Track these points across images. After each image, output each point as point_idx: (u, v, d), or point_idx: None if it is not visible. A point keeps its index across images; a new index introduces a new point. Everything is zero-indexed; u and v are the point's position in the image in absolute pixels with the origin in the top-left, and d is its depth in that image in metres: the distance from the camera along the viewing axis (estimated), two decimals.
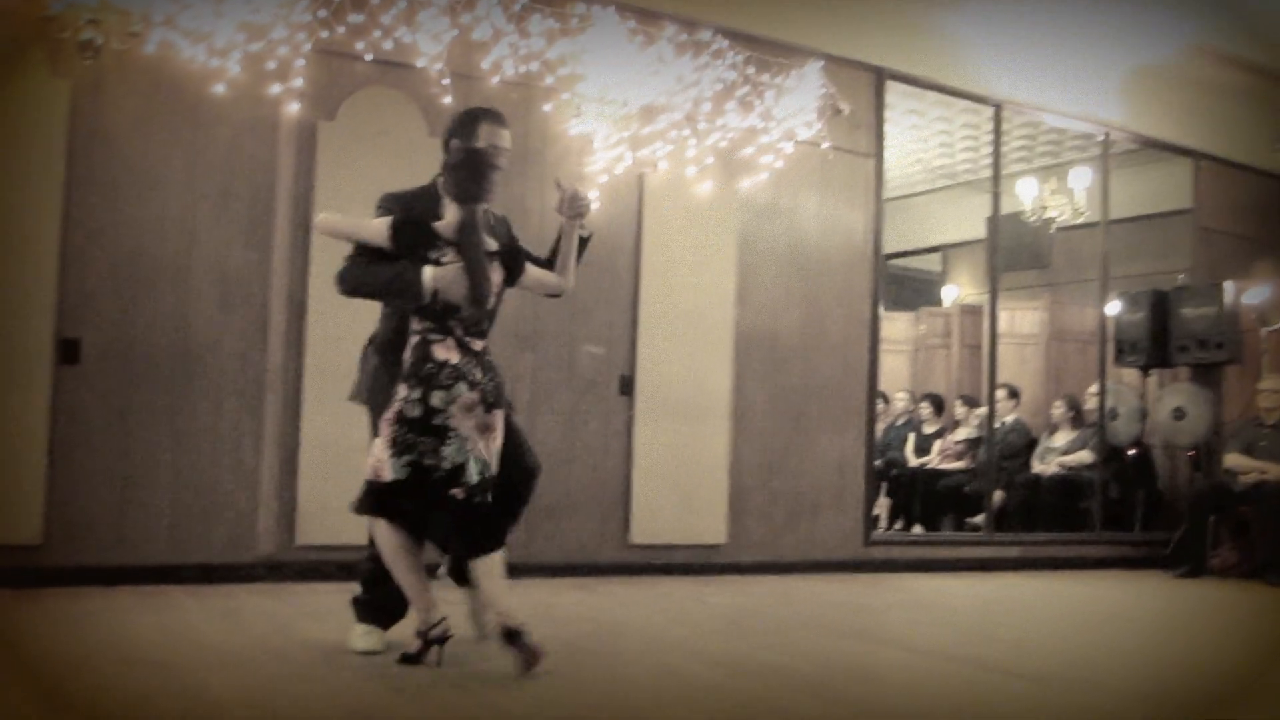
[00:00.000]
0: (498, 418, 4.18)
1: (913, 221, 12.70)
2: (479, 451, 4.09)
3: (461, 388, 4.05)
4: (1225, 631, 6.38)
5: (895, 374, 11.76)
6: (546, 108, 6.83)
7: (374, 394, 4.34)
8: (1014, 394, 10.35)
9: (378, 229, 4.13)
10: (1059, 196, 10.74)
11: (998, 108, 8.84)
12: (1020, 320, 11.26)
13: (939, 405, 11.01)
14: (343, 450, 6.07)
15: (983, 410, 9.73)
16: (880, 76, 8.11)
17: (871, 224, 8.07)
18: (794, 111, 7.53)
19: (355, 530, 5.54)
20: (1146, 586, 8.06)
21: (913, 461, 10.72)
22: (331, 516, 6.07)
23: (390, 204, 4.29)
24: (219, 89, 5.95)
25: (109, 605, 5.18)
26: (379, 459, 4.10)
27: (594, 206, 4.73)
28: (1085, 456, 9.66)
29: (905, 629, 5.74)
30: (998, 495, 9.35)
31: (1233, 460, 8.80)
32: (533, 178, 6.64)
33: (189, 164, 6.02)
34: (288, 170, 6.23)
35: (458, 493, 4.05)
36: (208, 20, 5.83)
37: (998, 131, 8.97)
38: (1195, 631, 6.31)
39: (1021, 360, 11.14)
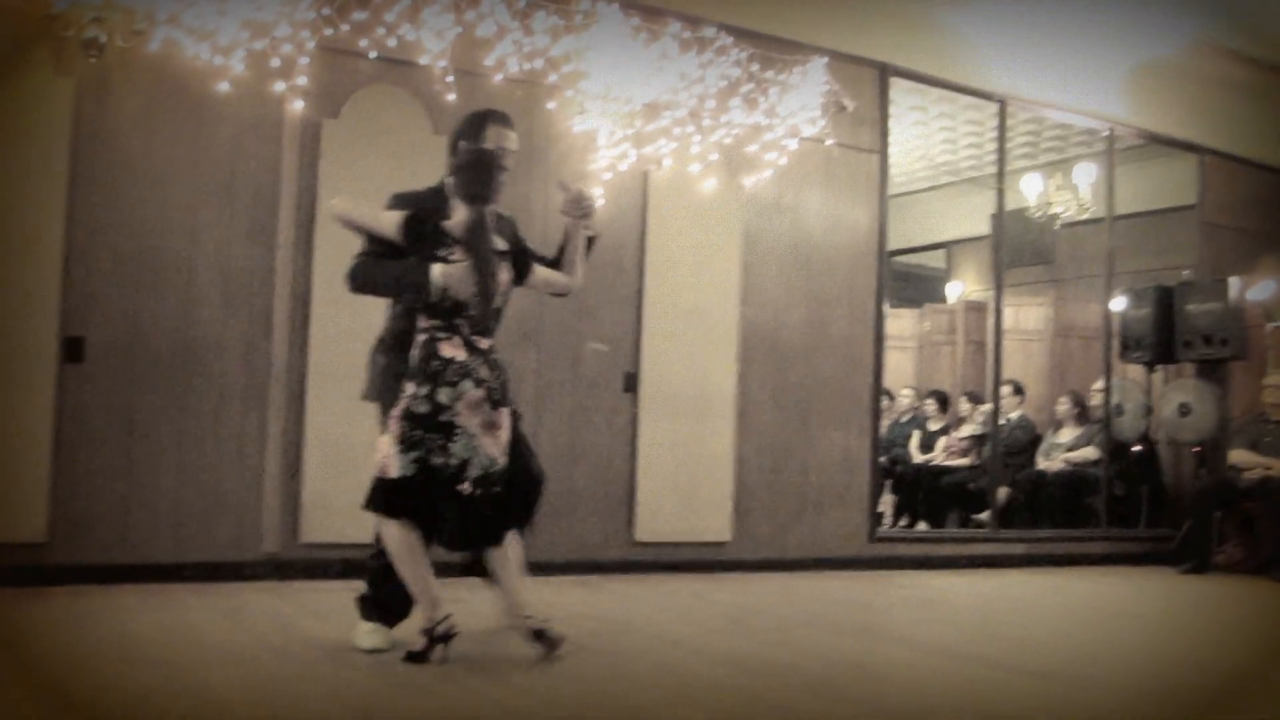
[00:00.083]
0: (503, 415, 4.24)
1: (917, 218, 12.69)
2: (485, 447, 4.14)
3: (468, 385, 4.10)
4: (1230, 628, 6.37)
5: (900, 371, 11.78)
6: (550, 105, 6.82)
7: (384, 392, 4.35)
8: (1019, 390, 10.34)
9: (389, 222, 4.19)
10: (1064, 192, 10.74)
11: (1002, 103, 8.82)
12: (1025, 316, 11.25)
13: (944, 402, 11.00)
14: (347, 448, 6.09)
15: (987, 407, 9.72)
16: (884, 73, 8.10)
17: (876, 221, 8.06)
18: (798, 108, 7.52)
19: (359, 528, 5.54)
20: (1151, 583, 8.05)
21: (917, 458, 10.71)
22: (335, 514, 6.10)
23: (400, 202, 4.33)
24: (223, 87, 5.94)
25: (112, 603, 5.18)
26: (387, 456, 4.13)
27: (599, 204, 4.74)
28: (1090, 453, 9.65)
29: (910, 626, 5.73)
30: (1003, 492, 9.33)
31: (1238, 456, 8.79)
32: (537, 175, 6.64)
33: (193, 162, 6.02)
34: (291, 168, 6.23)
35: (464, 488, 4.11)
36: (211, 18, 5.83)
37: (1002, 127, 8.95)
38: (1200, 628, 6.30)
39: (1026, 356, 11.13)
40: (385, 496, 4.14)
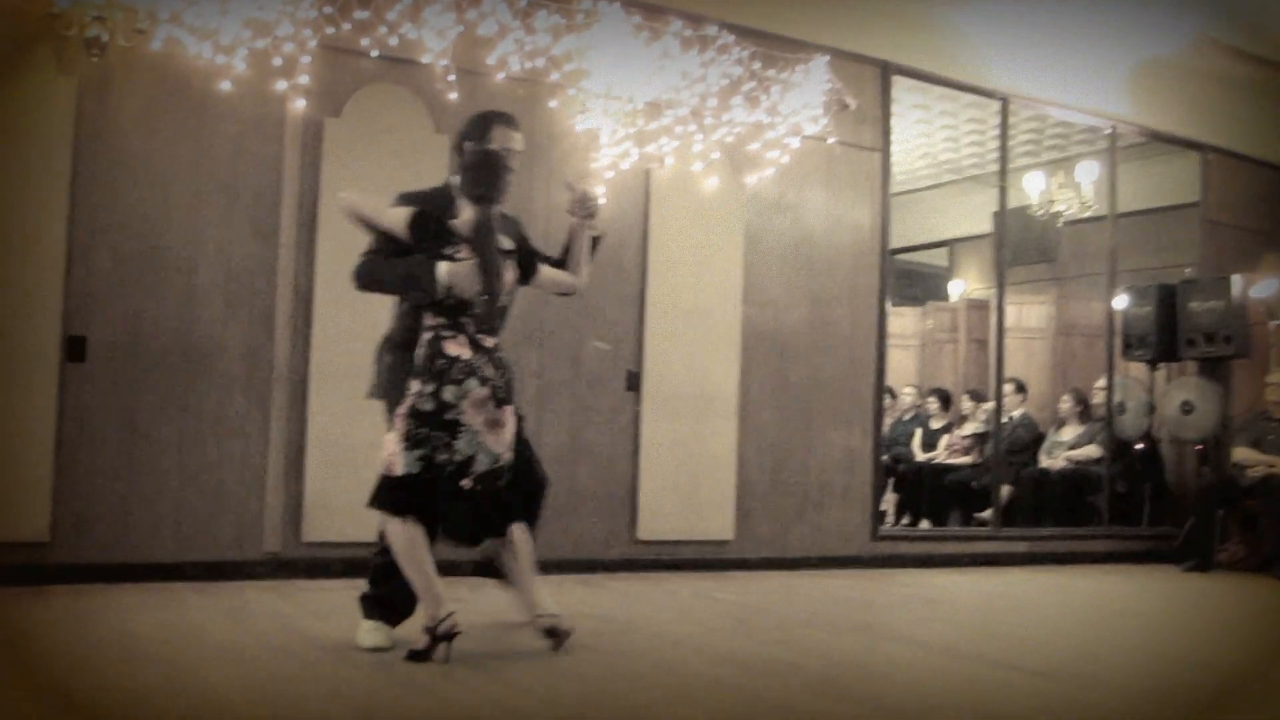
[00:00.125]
0: (508, 413, 4.28)
1: (919, 216, 12.67)
2: (489, 444, 4.19)
3: (473, 383, 4.15)
4: (1232, 626, 6.37)
5: (902, 369, 11.77)
6: (552, 104, 6.82)
7: (390, 390, 4.39)
8: (1021, 388, 10.33)
9: (396, 218, 4.23)
10: (1066, 190, 10.72)
11: (1004, 101, 8.82)
12: (1027, 314, 11.24)
13: (946, 400, 11.00)
14: (349, 447, 6.10)
15: (990, 405, 9.72)
16: (886, 71, 8.09)
17: (878, 219, 8.05)
18: (800, 106, 7.51)
19: (361, 527, 5.54)
20: (1154, 581, 8.04)
21: (920, 456, 10.71)
22: (337, 513, 6.10)
23: (407, 201, 4.36)
24: (225, 86, 5.94)
25: (115, 602, 5.18)
26: (392, 453, 4.16)
27: (601, 203, 4.77)
28: (1093, 451, 9.64)
29: (912, 625, 5.73)
30: (1005, 490, 9.33)
31: (1241, 454, 8.79)
32: (538, 174, 6.64)
33: (194, 161, 6.03)
34: (293, 167, 6.24)
35: (466, 483, 4.15)
36: (213, 17, 5.82)
37: (1004, 125, 8.95)
38: (1202, 626, 6.29)
39: (1029, 354, 11.12)
40: (390, 494, 4.16)
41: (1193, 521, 8.76)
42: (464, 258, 4.18)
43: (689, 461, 7.21)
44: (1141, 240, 10.52)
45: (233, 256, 6.09)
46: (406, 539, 4.15)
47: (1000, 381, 9.18)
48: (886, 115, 8.11)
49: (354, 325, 6.11)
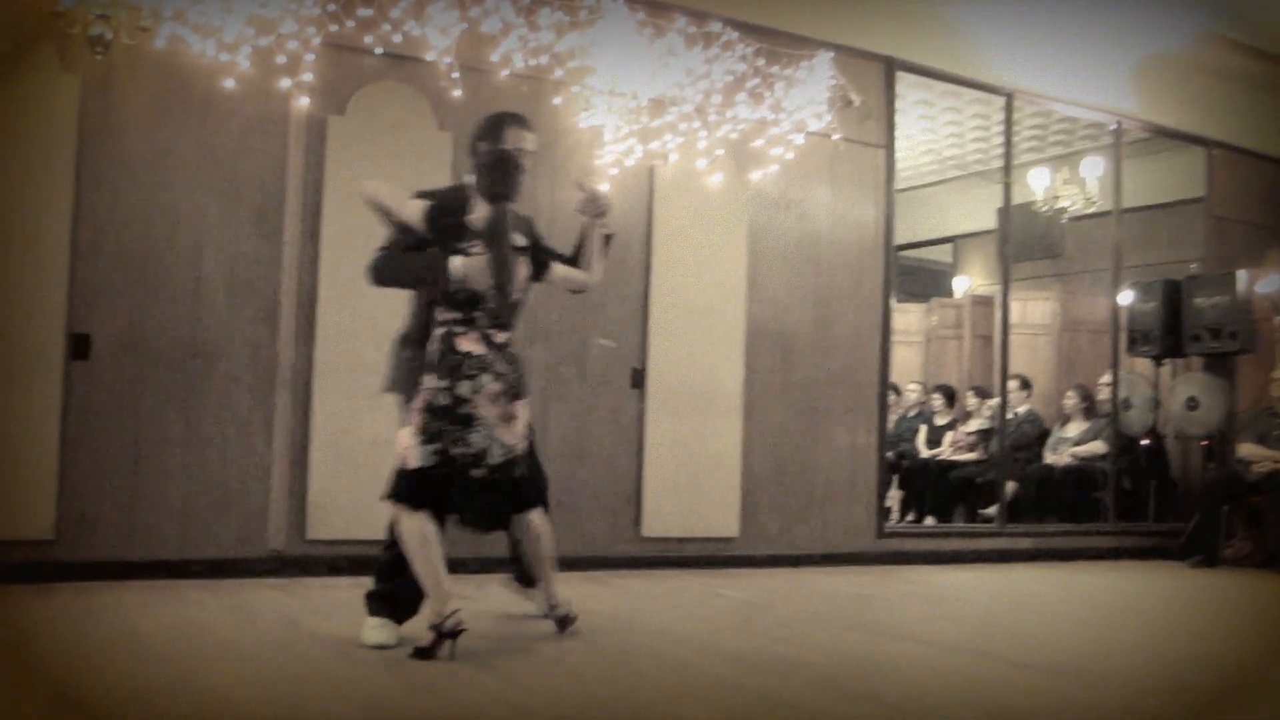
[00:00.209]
0: (520, 407, 4.36)
1: (924, 212, 12.66)
2: (502, 437, 4.27)
3: (486, 379, 4.23)
4: (1238, 622, 6.36)
5: (907, 365, 11.75)
6: (556, 101, 6.82)
7: (405, 384, 4.47)
8: (1026, 385, 10.32)
9: (414, 210, 4.32)
10: (1071, 186, 10.70)
11: (1009, 97, 8.81)
12: (1032, 311, 11.23)
13: (951, 396, 11.00)
14: (353, 445, 6.11)
15: (995, 401, 9.71)
16: (890, 67, 8.08)
17: (882, 215, 8.05)
18: (804, 103, 7.50)
19: (365, 525, 5.56)
20: (1159, 577, 8.03)
21: (924, 453, 10.70)
22: (341, 511, 6.11)
23: (424, 197, 4.44)
24: (229, 84, 5.95)
25: (119, 600, 5.19)
26: (408, 447, 4.22)
27: (611, 202, 4.85)
28: (1098, 447, 9.63)
29: (917, 622, 5.73)
30: (1010, 486, 9.32)
31: (1246, 450, 8.78)
32: (542, 171, 6.63)
33: (199, 159, 6.03)
34: (297, 165, 6.23)
35: (479, 473, 4.22)
36: (217, 15, 5.83)
37: (1009, 121, 8.94)
38: (1208, 622, 6.28)
39: (1033, 351, 11.11)
40: (406, 486, 4.21)
41: (1198, 517, 8.76)
42: (477, 253, 4.25)
43: (693, 458, 7.21)
44: (1146, 236, 10.50)
45: (236, 254, 6.10)
46: (418, 533, 4.18)
47: (1005, 378, 9.17)
48: (891, 111, 8.10)
49: (358, 322, 6.13)
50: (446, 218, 4.31)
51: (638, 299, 7.12)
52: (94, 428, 5.75)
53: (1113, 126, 9.45)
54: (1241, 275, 9.16)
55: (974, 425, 10.54)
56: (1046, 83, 8.88)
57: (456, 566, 4.39)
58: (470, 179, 4.51)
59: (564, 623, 4.66)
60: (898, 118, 8.23)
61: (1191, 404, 9.37)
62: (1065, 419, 10.17)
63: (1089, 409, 9.96)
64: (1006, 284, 9.11)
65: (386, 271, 4.43)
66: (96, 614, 4.83)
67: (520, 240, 4.43)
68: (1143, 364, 10.09)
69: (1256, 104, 9.84)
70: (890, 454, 9.24)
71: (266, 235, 6.16)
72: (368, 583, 4.54)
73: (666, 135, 7.12)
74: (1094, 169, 10.37)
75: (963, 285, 13.39)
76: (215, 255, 6.05)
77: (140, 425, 5.85)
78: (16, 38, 5.58)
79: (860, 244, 7.95)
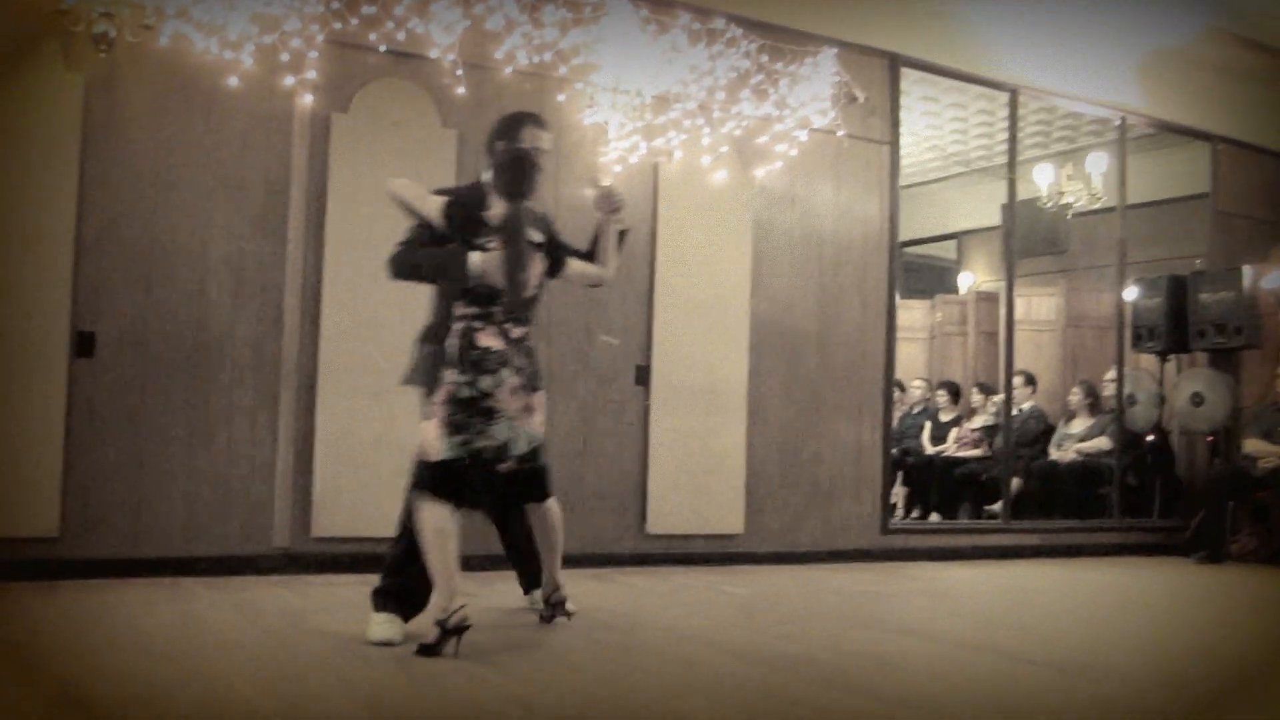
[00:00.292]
0: (539, 399, 4.47)
1: (928, 209, 12.66)
2: (524, 428, 4.37)
3: (506, 373, 4.31)
4: (1243, 618, 6.35)
5: (911, 362, 11.75)
6: (560, 98, 6.81)
7: (427, 378, 4.55)
8: (1031, 381, 10.32)
9: (433, 205, 4.41)
10: (1075, 182, 10.69)
11: (1013, 93, 8.79)
12: (1037, 307, 11.23)
13: (955, 393, 10.99)
14: (357, 442, 6.11)
15: (999, 397, 9.70)
16: (895, 63, 8.07)
17: (887, 212, 8.04)
18: (808, 99, 7.50)
19: (370, 522, 5.57)
20: (1165, 573, 8.02)
21: (929, 449, 10.70)
22: (346, 508, 6.11)
23: (443, 194, 4.53)
24: (232, 81, 5.95)
25: (124, 597, 5.19)
26: (431, 439, 4.27)
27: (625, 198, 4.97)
28: (1103, 443, 9.62)
29: (923, 617, 5.72)
30: (1015, 482, 9.32)
31: (1251, 445, 8.77)
32: (547, 168, 6.61)
33: (203, 156, 6.03)
34: (301, 162, 6.24)
35: (506, 466, 4.35)
36: (220, 13, 5.84)
37: (1013, 117, 8.93)
38: (1213, 618, 6.27)
39: (1038, 347, 11.11)
40: (430, 478, 4.25)
41: (1203, 513, 8.74)
42: (494, 249, 4.32)
43: (698, 455, 7.21)
44: (1151, 231, 10.48)
45: (241, 252, 6.10)
46: (437, 525, 4.21)
47: (1010, 374, 9.15)
48: (895, 107, 8.09)
49: (362, 320, 6.14)
50: (463, 211, 4.39)
51: (642, 296, 7.11)
52: (98, 425, 5.76)
53: (1117, 122, 9.44)
54: (1247, 270, 9.16)
55: (979, 421, 10.53)
56: (1051, 78, 8.87)
57: (462, 563, 4.38)
58: (487, 176, 4.58)
59: (562, 608, 4.77)
60: (902, 114, 8.23)
61: (1196, 399, 9.36)
62: (1070, 415, 10.17)
63: (1094, 405, 9.95)
64: (1011, 280, 9.10)
65: (405, 265, 4.50)
66: (101, 611, 4.84)
67: (536, 236, 4.50)
68: (1148, 360, 10.09)
69: (1261, 99, 9.82)
70: (895, 450, 9.24)
71: (270, 233, 6.17)
72: (372, 580, 4.55)
73: (670, 132, 7.11)
74: (1098, 164, 10.36)
75: (967, 281, 13.38)
76: (219, 253, 6.05)
77: (145, 423, 5.86)
78: (20, 36, 5.59)
79: (865, 240, 7.95)
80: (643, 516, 7.05)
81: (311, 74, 6.12)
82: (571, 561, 6.57)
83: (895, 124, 8.10)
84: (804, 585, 6.55)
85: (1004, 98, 8.93)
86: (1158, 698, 4.03)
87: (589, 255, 4.83)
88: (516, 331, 4.39)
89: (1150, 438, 9.83)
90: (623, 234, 4.92)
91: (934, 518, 9.96)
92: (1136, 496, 9.62)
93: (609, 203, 4.77)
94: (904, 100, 8.32)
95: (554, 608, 4.78)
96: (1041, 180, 10.80)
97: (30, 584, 5.35)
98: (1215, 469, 9.35)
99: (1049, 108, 9.69)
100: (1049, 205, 10.79)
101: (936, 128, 10.93)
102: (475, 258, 4.30)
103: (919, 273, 13.95)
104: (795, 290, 7.66)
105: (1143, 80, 9.29)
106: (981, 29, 8.46)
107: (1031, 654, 4.65)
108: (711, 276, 7.30)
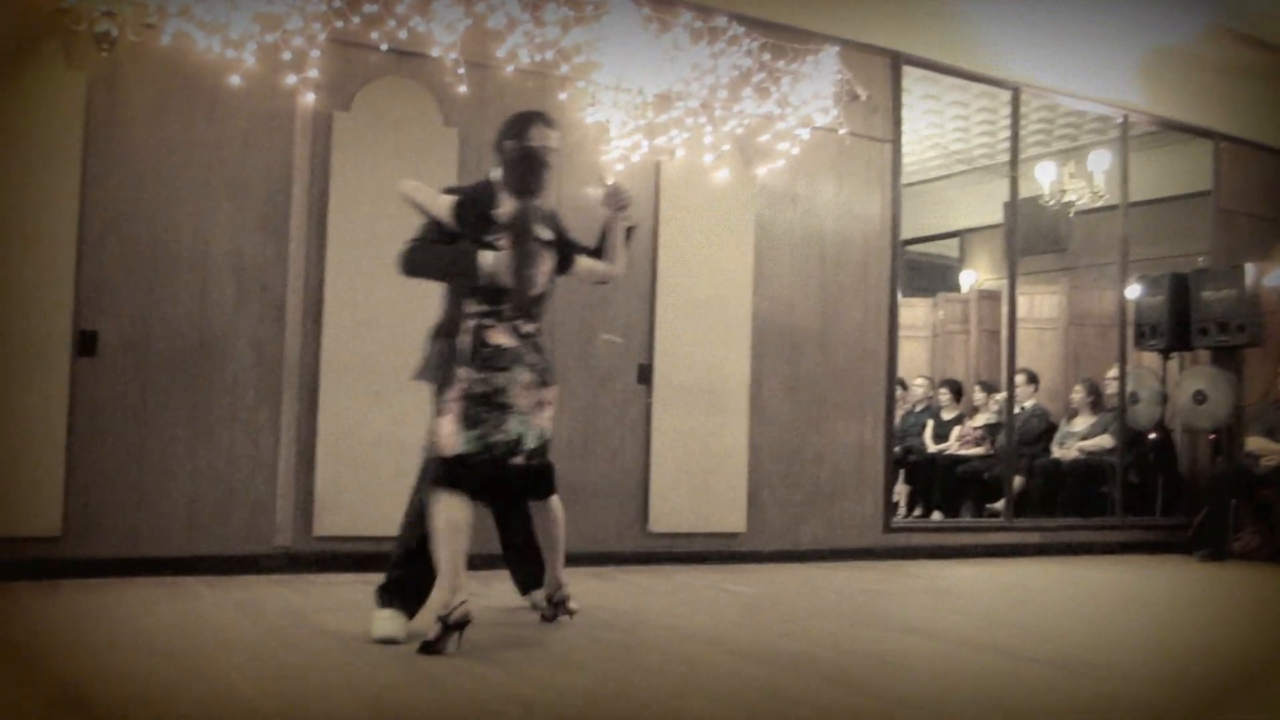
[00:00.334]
0: (550, 394, 4.52)
1: (930, 207, 12.65)
2: (536, 423, 4.43)
3: (519, 370, 4.36)
4: (1246, 616, 6.34)
5: (914, 360, 11.76)
6: (562, 96, 6.81)
7: (440, 374, 4.56)
8: (1033, 379, 10.32)
9: (444, 204, 4.47)
10: (1077, 180, 10.69)
11: (1015, 91, 8.79)
12: (1039, 305, 11.22)
13: (958, 391, 10.99)
14: (360, 441, 6.11)
15: (1002, 395, 9.70)
16: (897, 61, 8.07)
17: (889, 210, 8.04)
18: (810, 97, 7.50)
19: (372, 521, 5.57)
20: (1167, 571, 8.02)
21: (931, 448, 10.69)
22: (348, 508, 6.11)
23: (453, 193, 4.58)
24: (234, 80, 5.95)
25: (126, 596, 5.20)
26: (447, 434, 4.30)
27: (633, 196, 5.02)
28: (1105, 441, 9.62)
29: (924, 616, 5.72)
30: (1017, 481, 9.31)
31: (1254, 443, 8.77)
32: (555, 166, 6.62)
33: (204, 155, 6.03)
34: (303, 161, 6.23)
35: (519, 460, 4.38)
36: (223, 11, 5.83)
37: (1015, 115, 8.92)
38: (1216, 616, 6.27)
39: (1040, 345, 11.10)
40: (446, 472, 4.27)
41: (1206, 511, 8.74)
42: (503, 246, 4.36)
43: (700, 453, 7.20)
44: (1154, 229, 10.48)
45: (243, 251, 6.10)
46: (451, 517, 4.23)
47: (1012, 372, 9.15)
48: (897, 106, 8.09)
49: (364, 319, 6.14)
50: (474, 210, 4.43)
51: (644, 294, 7.11)
52: (101, 424, 5.76)
53: (1119, 120, 9.43)
54: (1249, 268, 9.15)
55: (981, 420, 10.53)
56: (1053, 76, 8.86)
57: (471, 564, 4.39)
58: (497, 174, 4.61)
59: (564, 607, 4.82)
60: (904, 112, 8.23)
61: (1199, 397, 9.36)
62: (1072, 413, 10.17)
63: (1096, 403, 9.95)
64: (1013, 278, 9.10)
65: (415, 263, 4.53)
66: (102, 611, 4.84)
67: (546, 234, 4.55)
68: (1150, 358, 10.08)
69: (1263, 97, 9.82)
70: (897, 449, 9.24)
71: (272, 232, 6.17)
72: (374, 578, 4.55)
73: (672, 130, 7.11)
74: (1100, 162, 10.36)
75: (969, 280, 13.38)
76: (221, 252, 6.05)
77: (147, 422, 5.86)
78: (22, 34, 5.59)
79: (866, 239, 7.94)
80: (645, 515, 7.05)
81: (313, 73, 6.12)
82: (573, 560, 6.56)
83: (897, 122, 8.10)
84: (806, 584, 6.55)
85: (1006, 96, 8.93)
86: (1160, 696, 4.03)
87: (597, 252, 4.87)
88: (527, 328, 4.44)
89: (1152, 436, 9.82)
90: (630, 230, 4.96)
91: (936, 516, 9.96)
92: (1139, 495, 9.61)
93: (617, 200, 4.80)
94: (906, 98, 8.31)
95: (556, 606, 4.81)
96: (1044, 178, 10.80)
97: (32, 583, 5.36)
98: (1218, 467, 9.35)
99: (1051, 106, 9.69)
100: (1051, 203, 10.79)
101: (938, 126, 10.93)
102: (486, 256, 4.34)
103: (921, 271, 13.95)
104: (797, 288, 7.66)
105: (1145, 78, 9.29)
106: (984, 27, 8.46)
107: (1034, 652, 4.65)
108: (713, 275, 7.30)
